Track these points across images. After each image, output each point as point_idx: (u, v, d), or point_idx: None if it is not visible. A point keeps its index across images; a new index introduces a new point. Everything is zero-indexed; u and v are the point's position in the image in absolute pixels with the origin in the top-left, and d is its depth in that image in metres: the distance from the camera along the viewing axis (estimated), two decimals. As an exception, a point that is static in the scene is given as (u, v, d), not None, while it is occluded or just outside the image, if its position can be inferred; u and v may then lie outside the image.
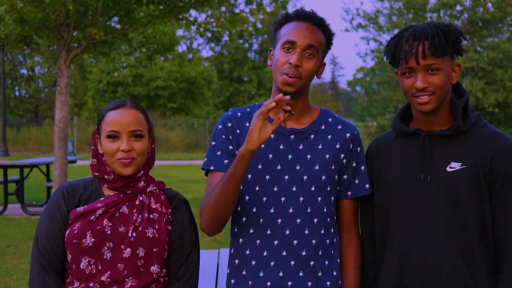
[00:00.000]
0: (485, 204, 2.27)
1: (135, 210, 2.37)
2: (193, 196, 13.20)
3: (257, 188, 2.42)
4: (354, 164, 2.47)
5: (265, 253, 2.40)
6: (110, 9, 11.39)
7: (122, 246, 2.32)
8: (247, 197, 2.43)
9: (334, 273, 2.44)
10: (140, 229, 2.34)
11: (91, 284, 2.31)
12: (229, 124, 2.48)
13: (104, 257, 2.32)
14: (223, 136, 2.47)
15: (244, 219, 2.44)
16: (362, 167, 2.49)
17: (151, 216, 2.38)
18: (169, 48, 31.97)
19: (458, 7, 29.19)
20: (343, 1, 48.19)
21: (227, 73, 41.57)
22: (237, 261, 2.46)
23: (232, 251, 2.48)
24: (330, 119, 2.51)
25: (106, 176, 2.39)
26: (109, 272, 2.31)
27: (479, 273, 2.26)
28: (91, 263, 2.32)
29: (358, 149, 2.49)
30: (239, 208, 2.45)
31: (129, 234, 2.33)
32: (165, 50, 32.02)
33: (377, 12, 29.33)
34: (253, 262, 2.42)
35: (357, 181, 2.48)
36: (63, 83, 11.35)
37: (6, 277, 7.04)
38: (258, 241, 2.42)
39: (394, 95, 32.48)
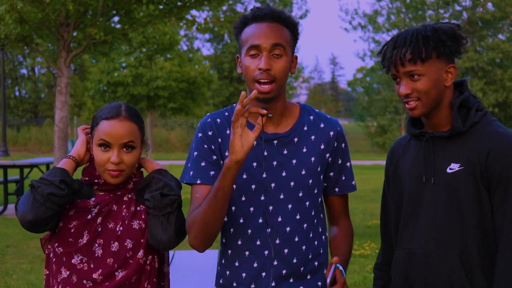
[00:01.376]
0: (484, 205, 2.26)
1: (124, 206, 2.40)
2: (193, 196, 13.19)
3: (243, 199, 2.33)
4: (339, 161, 2.43)
5: (255, 265, 2.33)
6: (110, 9, 11.39)
7: (111, 241, 2.36)
8: (233, 208, 2.34)
9: (325, 271, 2.42)
10: (126, 222, 2.37)
11: (84, 281, 2.33)
12: (210, 133, 2.36)
13: (96, 254, 2.35)
14: (205, 146, 2.35)
15: (231, 230, 2.36)
16: (348, 164, 2.46)
17: (137, 208, 2.41)
18: (169, 48, 31.97)
19: (458, 7, 29.18)
20: (341, 2, 48.24)
21: (227, 73, 41.56)
22: (228, 272, 2.39)
23: (222, 261, 2.41)
24: (311, 117, 2.42)
25: (96, 180, 2.42)
26: (100, 270, 2.34)
27: (477, 277, 2.26)
28: (83, 261, 2.35)
29: (343, 145, 2.45)
30: (225, 219, 2.36)
31: (118, 229, 2.36)
32: (165, 50, 32.02)
33: (375, 12, 29.34)
34: (244, 275, 2.35)
35: (343, 178, 2.44)
36: (63, 83, 11.35)
37: (6, 277, 7.04)
38: (247, 253, 2.34)
39: (394, 95, 32.44)
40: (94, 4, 10.63)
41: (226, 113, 2.41)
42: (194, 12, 18.51)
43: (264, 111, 2.13)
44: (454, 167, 2.30)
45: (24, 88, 46.45)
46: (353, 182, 2.48)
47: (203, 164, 2.34)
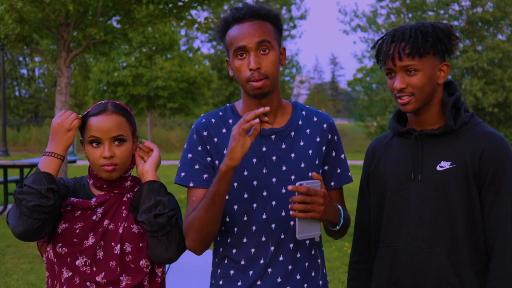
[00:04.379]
0: (474, 203, 2.28)
1: (123, 207, 2.40)
2: (193, 196, 13.18)
3: (245, 196, 2.33)
4: (334, 154, 2.44)
5: (261, 261, 2.33)
6: (110, 9, 11.39)
7: (113, 243, 2.35)
8: (236, 206, 2.34)
9: (324, 271, 2.46)
10: (125, 225, 2.37)
11: (88, 284, 2.33)
12: (205, 133, 2.36)
13: (97, 257, 2.35)
14: (199, 148, 2.35)
15: (235, 229, 2.35)
16: (342, 155, 2.46)
17: None
18: (169, 48, 31.95)
19: (457, 7, 29.18)
20: (339, 3, 48.38)
21: (227, 73, 41.52)
22: (232, 272, 2.36)
23: (225, 261, 2.38)
24: (303, 112, 2.44)
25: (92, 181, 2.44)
26: (103, 273, 2.33)
27: (466, 273, 2.27)
28: (87, 263, 2.34)
29: (336, 137, 2.45)
30: (227, 219, 2.35)
31: (120, 231, 2.36)
32: (165, 50, 32.00)
33: (375, 12, 29.34)
34: (251, 272, 2.33)
35: (339, 171, 2.45)
36: (63, 83, 11.35)
37: (6, 277, 7.04)
38: (253, 250, 2.34)
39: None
40: (94, 4, 10.62)
41: (221, 113, 2.42)
42: (194, 12, 18.52)
43: (266, 118, 2.15)
44: (445, 165, 2.31)
45: (24, 88, 46.44)
46: (349, 173, 2.48)
47: (197, 167, 2.34)
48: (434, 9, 28.81)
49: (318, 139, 2.41)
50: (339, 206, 2.34)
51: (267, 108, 2.14)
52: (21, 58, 45.84)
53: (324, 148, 2.42)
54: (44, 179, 2.28)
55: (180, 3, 11.61)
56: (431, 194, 2.31)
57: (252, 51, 2.28)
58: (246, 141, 2.14)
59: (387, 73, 2.37)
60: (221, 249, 2.40)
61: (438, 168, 2.31)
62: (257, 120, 2.13)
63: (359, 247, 2.54)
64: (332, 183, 2.44)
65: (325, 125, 2.43)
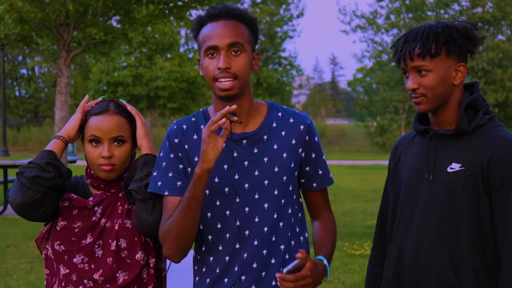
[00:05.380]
0: (481, 208, 2.25)
1: (119, 203, 2.42)
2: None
3: (218, 203, 2.28)
4: (313, 155, 2.38)
5: (236, 268, 2.28)
6: (110, 9, 11.39)
7: (110, 240, 2.37)
8: (209, 214, 2.29)
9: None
10: (120, 221, 2.38)
11: (85, 281, 2.34)
12: (176, 140, 2.32)
13: (96, 255, 2.36)
14: (172, 156, 2.31)
15: (210, 237, 2.30)
16: (323, 157, 2.41)
17: (129, 206, 2.42)
18: (169, 48, 31.96)
19: (457, 7, 29.18)
20: (339, 3, 48.43)
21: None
22: (208, 280, 2.33)
23: (203, 270, 2.35)
24: (279, 113, 2.37)
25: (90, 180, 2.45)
26: (101, 270, 2.35)
27: (467, 278, 2.25)
28: (85, 261, 2.36)
29: (316, 138, 2.39)
30: (201, 227, 2.31)
31: (116, 228, 2.38)
32: (165, 50, 32.01)
33: (374, 12, 29.34)
34: (226, 280, 2.29)
35: (320, 172, 2.39)
36: (63, 83, 11.36)
37: (6, 277, 7.04)
38: (227, 258, 2.29)
39: (393, 95, 32.41)
40: (94, 4, 10.62)
41: (193, 119, 2.37)
42: (194, 13, 18.51)
43: (235, 118, 2.09)
44: (455, 166, 2.29)
45: (24, 88, 46.44)
46: (330, 175, 2.44)
47: (170, 174, 2.30)
48: (434, 9, 28.81)
49: (293, 141, 2.34)
50: (323, 262, 2.26)
51: (234, 107, 2.08)
52: (21, 58, 45.84)
53: (300, 150, 2.35)
54: (46, 155, 2.34)
55: (180, 3, 11.61)
56: (439, 195, 2.29)
57: (222, 51, 2.22)
58: (217, 142, 2.10)
59: (403, 73, 2.37)
60: (198, 257, 2.37)
61: (448, 169, 2.29)
62: (223, 120, 2.07)
63: (377, 244, 2.55)
64: (314, 184, 2.40)
65: (302, 127, 2.36)
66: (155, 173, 2.32)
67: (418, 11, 28.57)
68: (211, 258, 2.32)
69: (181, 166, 2.31)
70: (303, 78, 63.73)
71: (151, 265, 2.42)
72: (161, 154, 2.34)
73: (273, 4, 42.04)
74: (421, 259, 2.31)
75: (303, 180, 2.39)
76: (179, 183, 2.29)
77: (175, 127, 2.35)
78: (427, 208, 2.32)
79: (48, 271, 2.44)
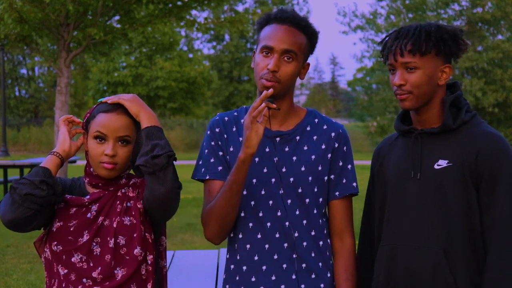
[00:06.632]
0: (471, 203, 2.28)
1: (118, 202, 2.41)
2: (193, 196, 13.21)
3: (245, 193, 2.40)
4: (340, 163, 2.45)
5: (256, 258, 2.39)
6: (110, 9, 11.40)
7: (108, 238, 2.37)
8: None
9: (328, 275, 2.44)
10: (118, 219, 2.38)
11: (84, 280, 2.34)
12: (217, 130, 2.47)
13: (94, 253, 2.36)
14: (212, 143, 2.46)
15: (250, 224, 2.42)
16: (349, 166, 2.48)
17: (128, 204, 2.41)
18: (169, 48, 31.99)
19: (457, 7, 29.19)
20: (338, 4, 48.39)
21: (227, 73, 41.57)
22: (232, 266, 2.45)
23: (227, 256, 2.48)
24: (316, 120, 2.49)
25: (88, 179, 2.44)
26: (100, 268, 2.34)
27: (461, 273, 2.27)
28: (83, 260, 2.35)
29: (345, 148, 2.47)
30: (242, 214, 2.43)
31: (114, 226, 2.37)
32: (165, 50, 32.04)
33: (374, 13, 29.34)
34: (244, 268, 2.41)
35: (344, 181, 2.45)
36: (63, 83, 11.36)
37: (6, 277, 7.04)
38: (248, 246, 2.41)
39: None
40: (94, 4, 10.63)
41: (235, 113, 2.50)
42: (194, 13, 18.55)
43: (274, 105, 2.25)
44: (442, 163, 2.32)
45: (24, 88, 46.46)
46: (354, 184, 2.48)
47: (212, 160, 2.45)
48: (434, 9, 28.80)
49: (323, 146, 2.44)
50: None
51: (271, 91, 2.25)
52: (21, 58, 45.85)
53: (329, 155, 2.44)
54: (41, 172, 2.32)
55: (180, 3, 11.62)
56: (429, 193, 2.32)
57: (276, 54, 2.34)
58: (259, 128, 2.24)
59: (390, 69, 2.40)
60: (228, 243, 2.47)
61: (435, 166, 2.33)
62: (263, 105, 2.23)
63: (363, 247, 2.56)
64: (337, 193, 2.45)
65: (333, 134, 2.46)
66: (200, 162, 2.48)
67: (418, 11, 28.56)
68: (235, 245, 2.44)
69: (221, 153, 2.46)
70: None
71: (149, 262, 2.42)
72: (204, 143, 2.49)
73: (274, 5, 42.04)
74: (415, 257, 2.32)
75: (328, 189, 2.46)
76: (220, 167, 2.44)
77: (217, 118, 2.51)
78: (416, 206, 2.34)
79: (47, 273, 2.44)
